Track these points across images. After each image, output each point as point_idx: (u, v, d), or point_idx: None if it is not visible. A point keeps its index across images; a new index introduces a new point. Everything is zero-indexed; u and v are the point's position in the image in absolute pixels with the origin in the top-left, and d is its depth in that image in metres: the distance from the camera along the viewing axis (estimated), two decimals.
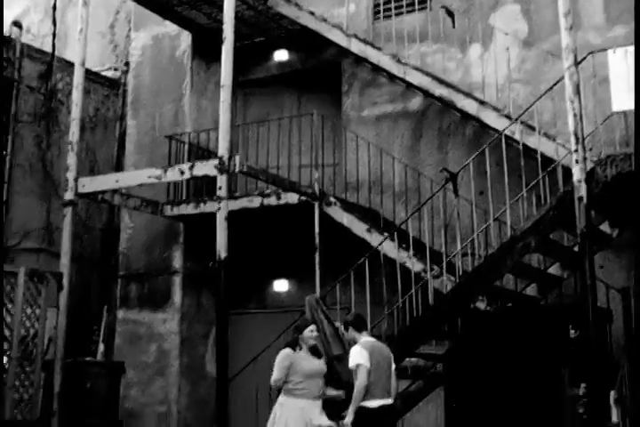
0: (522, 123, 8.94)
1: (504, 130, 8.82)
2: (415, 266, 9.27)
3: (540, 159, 8.29)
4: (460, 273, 8.58)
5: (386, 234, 9.65)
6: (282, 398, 7.04)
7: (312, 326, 7.28)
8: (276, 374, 7.02)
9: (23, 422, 9.20)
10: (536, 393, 7.53)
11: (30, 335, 9.59)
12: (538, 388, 7.53)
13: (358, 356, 6.73)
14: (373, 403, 6.64)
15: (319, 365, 7.18)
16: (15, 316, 9.37)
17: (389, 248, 9.46)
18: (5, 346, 9.26)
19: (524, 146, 8.60)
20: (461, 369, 7.96)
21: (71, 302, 10.19)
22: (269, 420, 7.04)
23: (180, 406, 11.79)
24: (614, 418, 7.11)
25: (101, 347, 12.92)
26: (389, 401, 6.77)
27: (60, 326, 9.88)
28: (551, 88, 8.45)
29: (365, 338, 6.98)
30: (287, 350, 7.17)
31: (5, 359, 9.21)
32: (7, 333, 9.31)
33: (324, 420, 6.97)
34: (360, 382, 6.65)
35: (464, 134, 11.05)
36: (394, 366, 7.06)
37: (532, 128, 8.94)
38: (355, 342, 7.01)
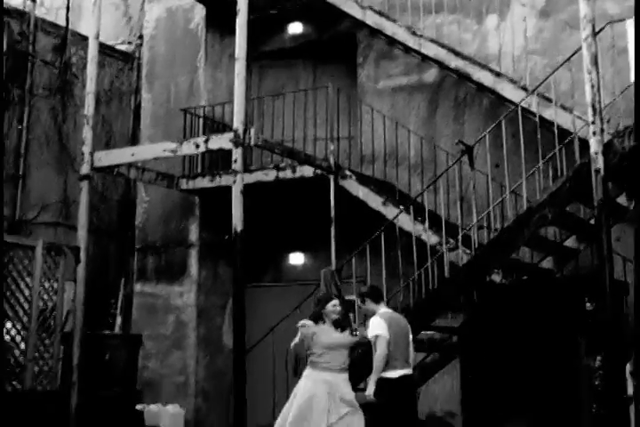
0: (538, 94, 8.86)
1: (520, 102, 8.75)
2: (431, 239, 9.27)
3: (556, 131, 8.22)
4: (476, 246, 8.57)
5: (401, 207, 9.65)
6: (307, 371, 7.07)
7: (335, 301, 7.26)
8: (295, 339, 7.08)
9: (43, 392, 9.33)
10: (552, 365, 7.55)
11: (49, 308, 9.69)
12: (553, 360, 7.56)
13: (377, 327, 6.71)
14: (394, 373, 6.66)
15: (342, 337, 7.17)
16: (33, 289, 9.45)
17: (405, 221, 9.46)
18: (25, 319, 9.37)
19: (541, 118, 8.53)
20: (477, 341, 7.98)
21: (88, 275, 10.27)
22: (293, 391, 7.06)
23: (198, 376, 11.91)
24: (629, 390, 7.12)
25: (119, 319, 13.05)
26: (409, 371, 6.79)
27: (77, 299, 9.98)
28: (569, 59, 8.36)
29: (383, 309, 6.96)
30: (309, 323, 7.20)
31: (25, 332, 9.33)
32: (26, 306, 9.41)
33: (348, 392, 7.01)
34: (379, 352, 6.64)
35: (480, 106, 10.99)
36: (411, 336, 7.06)
37: (549, 100, 8.86)
38: (372, 314, 7.00)
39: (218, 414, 11.95)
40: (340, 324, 7.33)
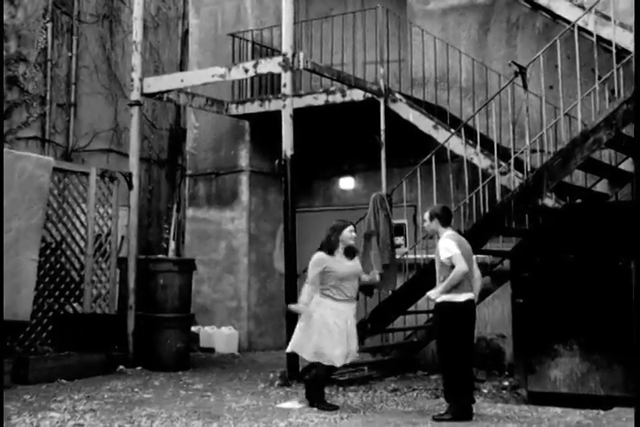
0: (596, 12, 8.57)
1: (576, 21, 8.47)
2: (482, 162, 9.18)
3: (614, 51, 7.98)
4: (529, 169, 8.46)
5: (452, 130, 9.53)
6: (318, 299, 7.04)
7: (350, 227, 7.20)
8: (310, 278, 7.03)
9: (103, 315, 9.61)
10: (604, 289, 7.53)
11: (104, 233, 9.89)
12: (606, 284, 7.53)
13: (449, 248, 6.66)
14: (460, 297, 6.63)
15: (355, 266, 7.20)
16: (89, 214, 9.64)
17: (456, 145, 9.37)
18: (81, 244, 9.59)
19: (598, 37, 8.27)
20: (528, 266, 7.97)
21: (141, 202, 10.42)
22: (303, 317, 7.08)
23: (250, 301, 12.13)
24: None
25: (172, 244, 13.29)
26: (473, 295, 6.78)
27: (131, 225, 10.16)
28: None
29: (449, 231, 6.89)
30: (321, 254, 7.12)
31: (83, 257, 9.56)
32: (82, 231, 9.62)
33: (354, 322, 7.14)
34: (459, 267, 6.55)
35: (534, 27, 10.70)
36: (474, 258, 7.02)
37: (607, 18, 8.56)
38: (436, 234, 6.96)
39: (270, 336, 12.21)
40: (352, 250, 7.29)
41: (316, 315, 7.00)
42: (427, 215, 6.99)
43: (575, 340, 7.64)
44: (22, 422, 6.36)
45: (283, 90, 9.04)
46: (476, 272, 7.01)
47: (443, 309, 6.71)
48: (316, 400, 7.17)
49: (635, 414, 5.65)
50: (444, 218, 6.94)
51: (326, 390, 7.98)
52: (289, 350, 7.24)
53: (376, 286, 8.25)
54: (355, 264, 7.23)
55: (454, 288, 6.64)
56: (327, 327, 6.95)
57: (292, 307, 7.31)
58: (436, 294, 6.73)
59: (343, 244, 7.14)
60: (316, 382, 7.24)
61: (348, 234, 7.14)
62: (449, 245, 6.67)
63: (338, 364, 7.03)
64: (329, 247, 7.11)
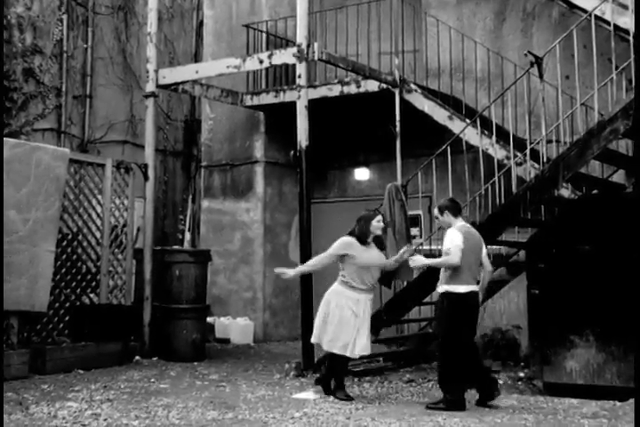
0: (613, 1, 8.49)
1: (593, 10, 8.38)
2: (498, 153, 9.14)
3: (632, 40, 7.91)
4: (545, 160, 8.42)
5: (468, 121, 9.49)
6: (338, 288, 7.15)
7: (379, 217, 7.32)
8: (327, 252, 7.20)
9: (119, 306, 9.65)
10: (619, 279, 7.50)
11: (120, 225, 9.93)
12: (622, 275, 7.50)
13: (455, 239, 6.71)
14: (462, 288, 6.67)
15: (378, 257, 7.27)
16: (104, 206, 9.68)
17: (472, 135, 9.34)
18: (98, 235, 9.63)
19: (615, 26, 8.20)
20: (544, 256, 7.94)
21: (156, 193, 10.43)
22: (322, 306, 7.17)
23: (265, 292, 12.15)
24: None
25: (188, 235, 13.32)
26: (476, 288, 6.80)
27: (147, 216, 10.19)
28: None
29: (461, 223, 6.94)
30: (350, 238, 7.22)
31: (99, 248, 9.60)
32: (98, 222, 9.66)
33: (369, 312, 7.20)
34: (450, 258, 6.63)
35: (550, 16, 10.63)
36: (485, 251, 7.03)
37: (625, 6, 8.49)
38: (448, 227, 7.00)
39: (285, 328, 12.24)
40: (382, 241, 7.42)
41: (333, 304, 7.09)
42: (436, 211, 7.08)
43: (591, 331, 7.63)
44: (40, 411, 6.42)
45: (297, 81, 9.03)
46: (488, 266, 7.03)
47: (443, 299, 6.76)
48: (335, 390, 7.19)
49: (635, 410, 5.62)
50: (453, 209, 7.00)
51: None
52: (313, 340, 7.29)
53: (394, 277, 8.25)
54: (380, 255, 7.32)
55: (455, 279, 6.68)
56: (343, 319, 7.00)
57: (277, 270, 7.47)
58: (420, 262, 6.91)
59: (371, 233, 7.24)
60: (333, 372, 7.26)
61: (377, 224, 7.26)
62: (454, 237, 6.75)
63: (351, 355, 7.05)
64: (361, 235, 7.21)
